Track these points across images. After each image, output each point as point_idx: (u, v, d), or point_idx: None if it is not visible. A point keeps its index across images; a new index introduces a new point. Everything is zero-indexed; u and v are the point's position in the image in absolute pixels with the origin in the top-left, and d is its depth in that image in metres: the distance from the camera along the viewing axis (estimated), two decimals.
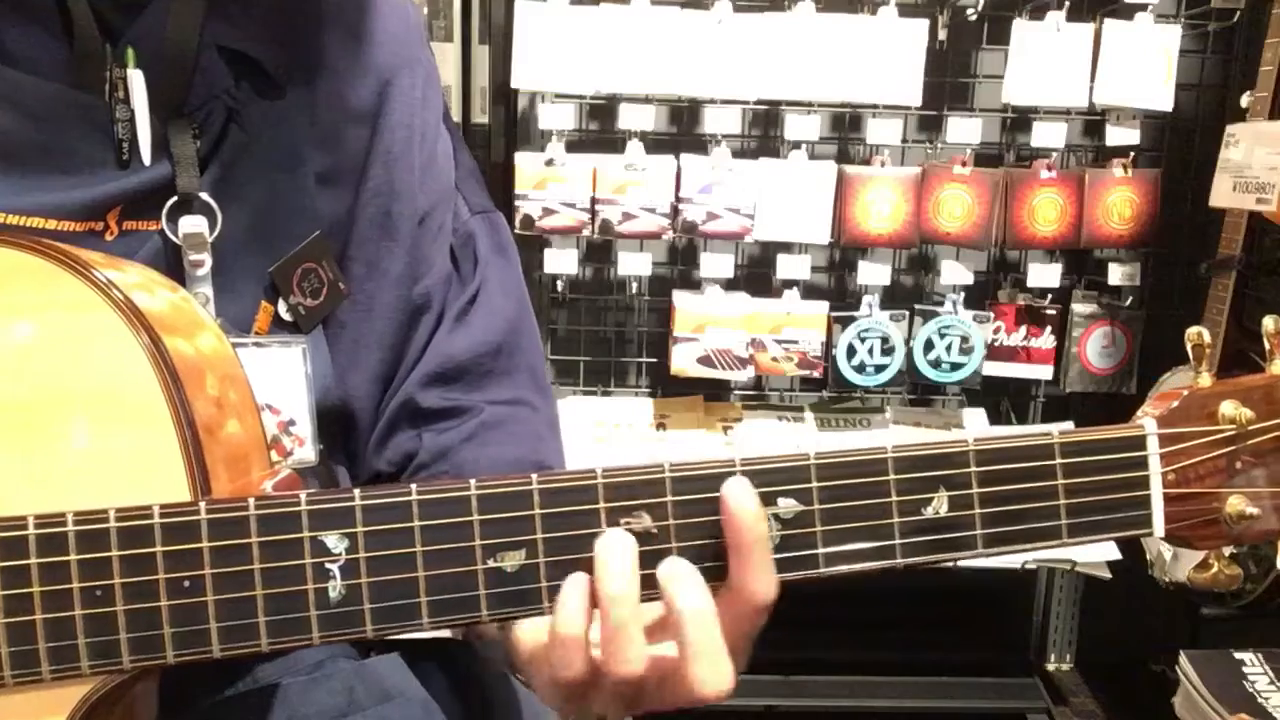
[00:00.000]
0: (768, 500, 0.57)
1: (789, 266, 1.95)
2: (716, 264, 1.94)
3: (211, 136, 0.75)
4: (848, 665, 2.11)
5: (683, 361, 1.94)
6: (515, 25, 1.83)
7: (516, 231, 1.86)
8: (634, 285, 2.05)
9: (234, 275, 0.76)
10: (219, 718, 0.73)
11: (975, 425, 2.12)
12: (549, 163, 1.88)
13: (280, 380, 0.76)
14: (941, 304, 1.99)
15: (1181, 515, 0.59)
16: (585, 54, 1.83)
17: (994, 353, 2.00)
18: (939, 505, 0.58)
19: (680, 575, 0.56)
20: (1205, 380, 0.60)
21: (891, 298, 2.07)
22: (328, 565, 0.55)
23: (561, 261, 1.95)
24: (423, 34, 0.89)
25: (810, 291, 2.03)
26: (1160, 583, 1.86)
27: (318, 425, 0.78)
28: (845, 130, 2.10)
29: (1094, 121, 2.01)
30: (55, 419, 0.57)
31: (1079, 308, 2.02)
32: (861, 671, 2.11)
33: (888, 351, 1.96)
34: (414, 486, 0.56)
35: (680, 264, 2.14)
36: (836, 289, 2.17)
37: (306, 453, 0.77)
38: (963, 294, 1.99)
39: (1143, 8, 1.86)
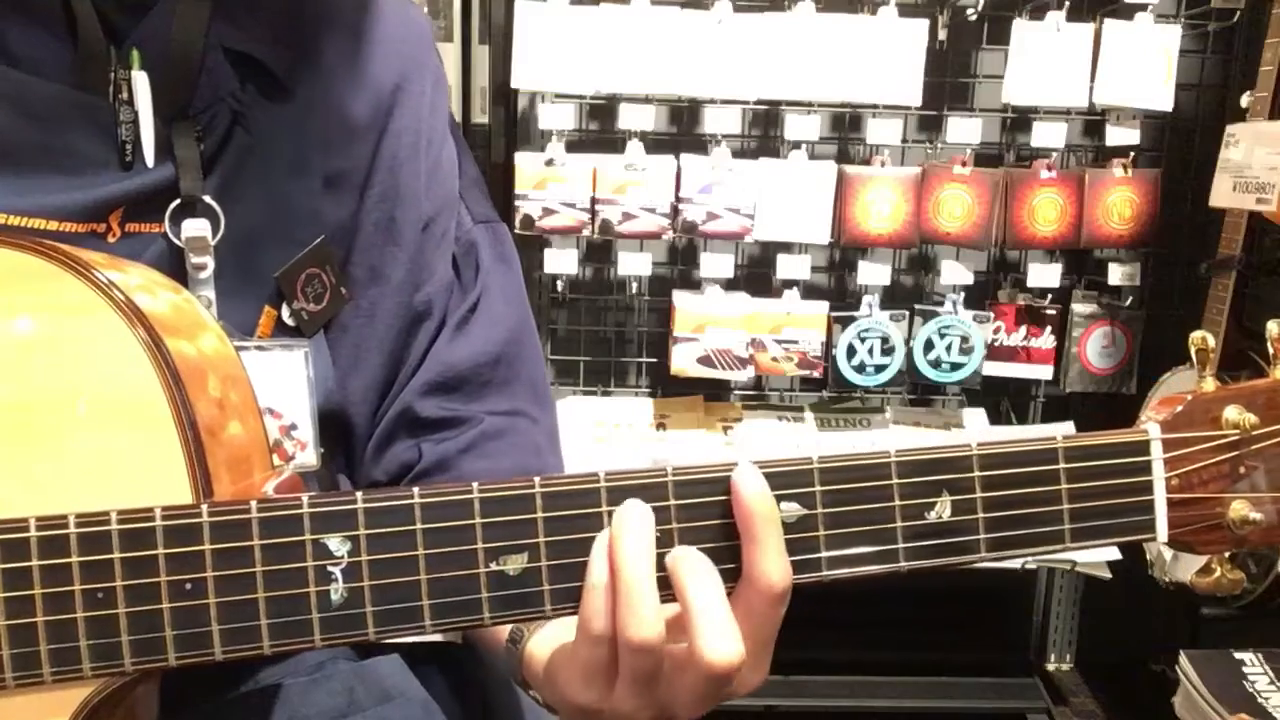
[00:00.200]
0: None
1: (789, 266, 1.95)
2: (716, 264, 1.94)
3: (216, 139, 0.75)
4: (848, 665, 2.12)
5: (683, 361, 1.94)
6: (515, 25, 1.83)
7: (516, 231, 1.86)
8: (634, 285, 2.05)
9: (237, 279, 0.76)
10: (219, 718, 0.73)
11: (975, 425, 2.12)
12: (549, 163, 1.88)
13: (282, 384, 0.76)
14: (941, 304, 1.99)
15: (1185, 520, 0.59)
16: (585, 54, 1.83)
17: (994, 353, 2.01)
18: (942, 509, 0.58)
19: (683, 554, 0.56)
20: (1209, 385, 0.60)
21: (891, 298, 2.07)
22: (330, 568, 0.55)
23: (561, 261, 1.95)
24: (431, 40, 0.89)
25: (810, 291, 2.03)
26: (1160, 583, 1.86)
27: (319, 430, 0.78)
28: (845, 130, 2.10)
29: (1094, 121, 2.01)
30: (56, 420, 0.57)
31: (1079, 308, 2.03)
32: (861, 671, 2.12)
33: (888, 351, 1.96)
34: (416, 489, 0.56)
35: (680, 264, 2.14)
36: (836, 289, 2.17)
37: (308, 457, 0.77)
38: (963, 294, 1.99)
39: (1143, 8, 1.86)
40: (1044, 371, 2.04)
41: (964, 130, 1.92)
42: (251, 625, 0.55)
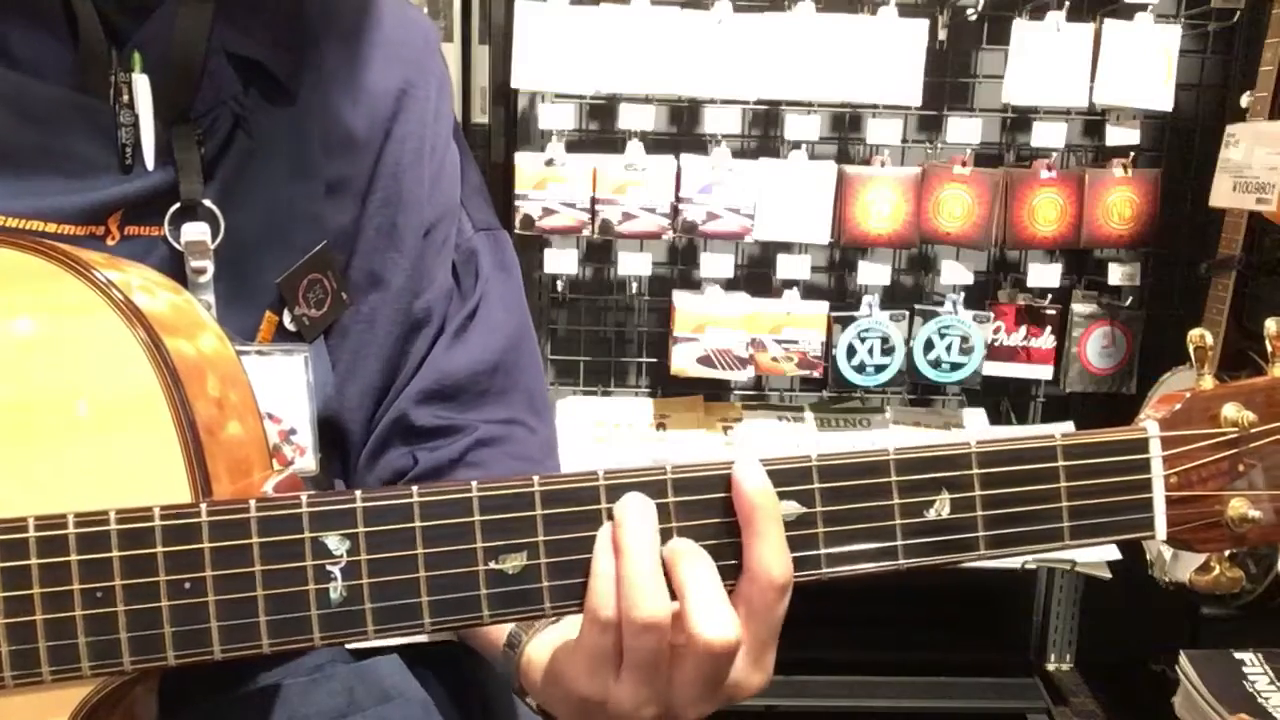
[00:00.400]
0: None
1: (789, 266, 1.95)
2: (716, 264, 1.94)
3: (217, 143, 0.74)
4: (847, 665, 2.11)
5: (683, 361, 1.94)
6: (515, 25, 1.83)
7: (516, 231, 1.86)
8: (634, 285, 2.05)
9: (238, 284, 0.75)
10: (219, 718, 0.73)
11: (975, 425, 2.12)
12: (549, 163, 1.88)
13: (282, 389, 0.75)
14: (941, 304, 1.99)
15: (1184, 518, 0.59)
16: (585, 54, 1.83)
17: (994, 353, 2.01)
18: (941, 507, 0.58)
19: (678, 543, 0.57)
20: (1207, 382, 0.60)
21: (891, 298, 2.07)
22: (329, 567, 0.55)
23: (561, 261, 1.95)
24: (437, 45, 0.88)
25: (810, 291, 2.03)
26: (1160, 583, 1.86)
27: (318, 435, 0.78)
28: (845, 130, 2.10)
29: (1094, 121, 2.01)
30: (55, 420, 0.57)
31: (1079, 308, 2.03)
32: (861, 671, 2.12)
33: (888, 351, 1.96)
34: (415, 488, 0.56)
35: (680, 264, 2.14)
36: (836, 289, 2.17)
37: (307, 462, 0.77)
38: (963, 294, 1.99)
39: (1143, 8, 1.86)
40: (1044, 371, 2.04)
41: (964, 130, 1.92)
42: (250, 624, 0.55)
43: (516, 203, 1.88)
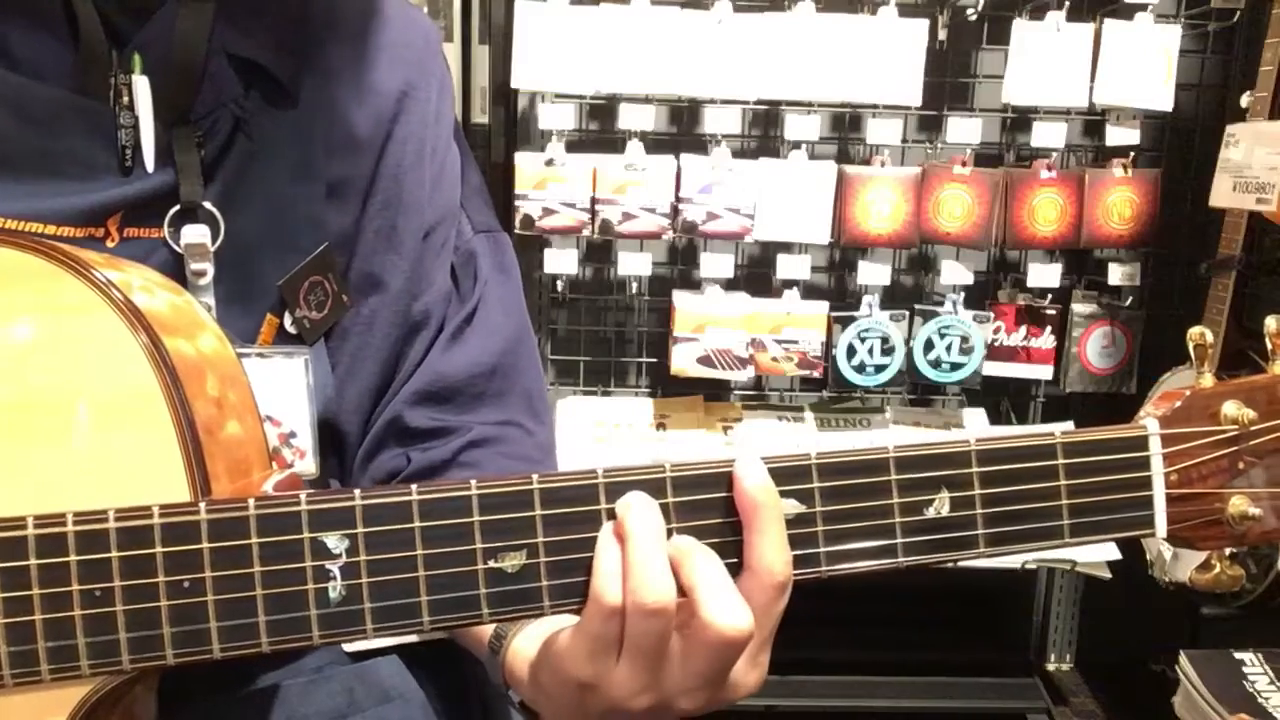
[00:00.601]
0: None
1: (789, 266, 1.95)
2: (716, 264, 1.94)
3: (217, 145, 0.74)
4: (847, 665, 2.11)
5: (683, 361, 1.94)
6: (515, 25, 1.83)
7: (516, 231, 1.86)
8: (634, 285, 2.05)
9: (238, 286, 0.75)
10: (219, 718, 0.73)
11: (975, 425, 2.12)
12: (549, 163, 1.88)
13: (282, 392, 0.75)
14: (941, 304, 1.99)
15: (1184, 516, 0.59)
16: (585, 54, 1.83)
17: (994, 353, 2.01)
18: (941, 505, 0.58)
19: (685, 540, 0.56)
20: (1207, 380, 0.60)
21: (891, 298, 2.07)
22: (328, 566, 0.55)
23: (561, 261, 1.95)
24: (438, 47, 0.88)
25: (810, 291, 2.03)
26: (1160, 583, 1.86)
27: (318, 438, 0.78)
28: (845, 130, 2.10)
29: (1094, 121, 2.01)
30: (55, 419, 0.57)
31: (1079, 308, 2.03)
32: (861, 671, 2.12)
33: (888, 351, 1.95)
34: (414, 487, 0.56)
35: (680, 264, 2.14)
36: (836, 289, 2.17)
37: (307, 465, 0.77)
38: (963, 294, 1.99)
39: (1143, 8, 1.86)
40: (1044, 371, 2.04)
41: (964, 130, 1.92)
42: (249, 623, 0.55)
43: (516, 203, 1.88)
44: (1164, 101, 1.88)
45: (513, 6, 1.85)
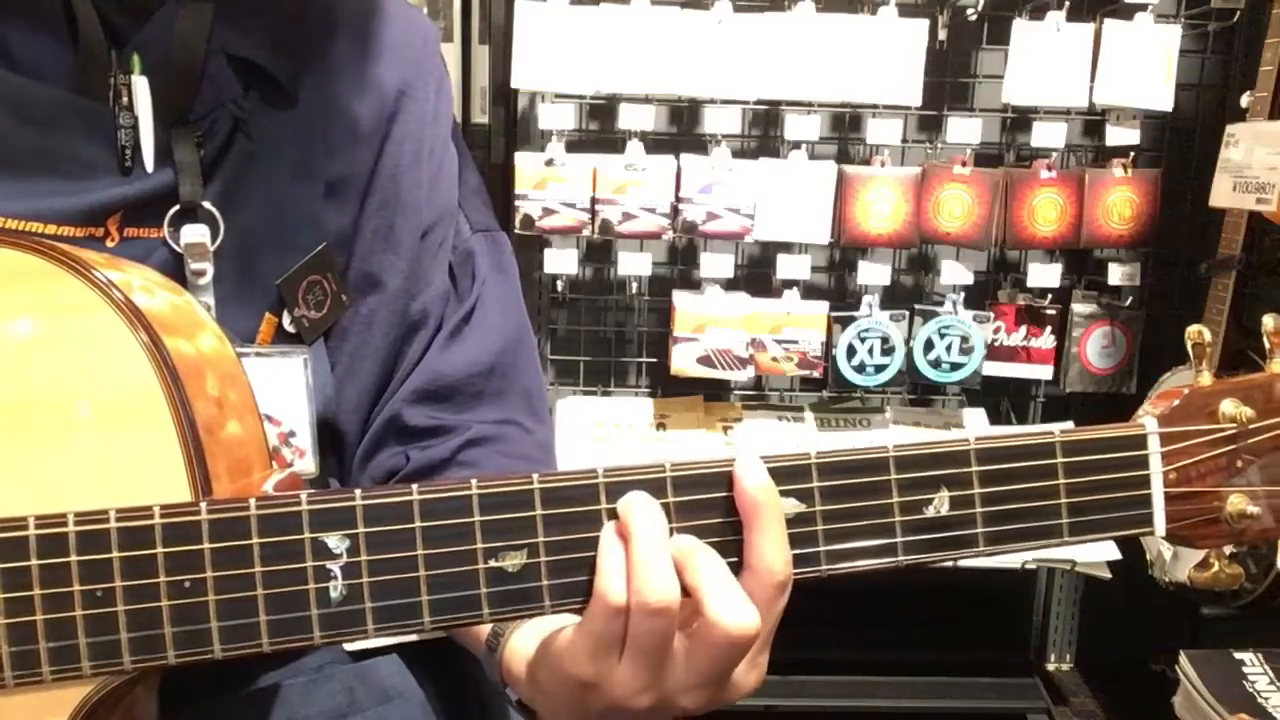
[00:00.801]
0: None
1: (789, 266, 1.95)
2: (716, 264, 1.94)
3: (217, 145, 0.74)
4: (847, 665, 2.11)
5: (683, 361, 1.94)
6: (515, 25, 1.83)
7: (516, 231, 1.86)
8: (634, 285, 2.05)
9: (238, 285, 0.75)
10: (219, 718, 0.73)
11: (975, 425, 2.12)
12: (549, 163, 1.88)
13: (281, 391, 0.75)
14: (941, 304, 1.99)
15: (1182, 514, 0.59)
16: (585, 54, 1.83)
17: (994, 353, 2.01)
18: (940, 504, 0.58)
19: (688, 540, 0.56)
20: (1206, 379, 0.60)
21: (891, 298, 2.07)
22: (329, 566, 0.55)
23: (561, 261, 1.95)
24: (437, 46, 0.88)
25: (810, 291, 2.03)
26: (1160, 583, 1.86)
27: (317, 438, 0.78)
28: (845, 130, 2.10)
29: (1094, 121, 2.01)
30: (55, 419, 0.57)
31: (1079, 308, 2.03)
32: (861, 671, 2.12)
33: (888, 351, 1.96)
34: (415, 486, 0.56)
35: (680, 264, 2.14)
36: (836, 289, 2.17)
37: (306, 464, 0.77)
38: (963, 294, 1.99)
39: (1143, 8, 1.86)
40: (1044, 371, 2.04)
41: (964, 130, 1.92)
42: (250, 623, 0.55)
43: (516, 203, 1.88)
44: (1164, 101, 1.88)
45: (513, 6, 1.85)
